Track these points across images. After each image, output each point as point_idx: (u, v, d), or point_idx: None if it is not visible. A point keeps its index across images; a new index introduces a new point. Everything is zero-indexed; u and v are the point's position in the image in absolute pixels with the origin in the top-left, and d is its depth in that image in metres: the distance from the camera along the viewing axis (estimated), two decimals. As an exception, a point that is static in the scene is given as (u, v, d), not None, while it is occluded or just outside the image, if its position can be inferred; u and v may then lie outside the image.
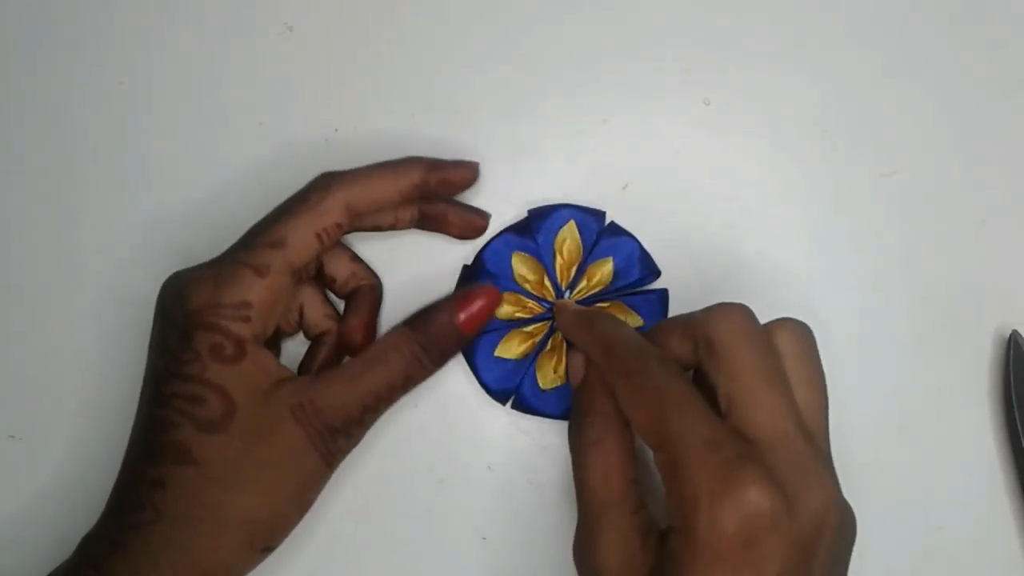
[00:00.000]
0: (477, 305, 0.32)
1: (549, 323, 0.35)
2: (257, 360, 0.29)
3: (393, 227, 0.34)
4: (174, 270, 0.34)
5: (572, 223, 0.35)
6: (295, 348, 0.35)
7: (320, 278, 0.35)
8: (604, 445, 0.29)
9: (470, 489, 0.35)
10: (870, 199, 0.37)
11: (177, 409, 0.28)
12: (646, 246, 0.36)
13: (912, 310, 0.36)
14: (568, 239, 0.35)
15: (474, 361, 0.35)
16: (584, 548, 0.28)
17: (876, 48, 0.38)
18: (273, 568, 0.31)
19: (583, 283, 0.35)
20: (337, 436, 0.30)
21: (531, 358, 0.35)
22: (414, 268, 0.36)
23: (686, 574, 0.25)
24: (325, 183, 0.31)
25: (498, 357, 0.35)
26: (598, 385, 0.30)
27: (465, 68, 0.38)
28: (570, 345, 0.35)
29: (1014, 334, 0.35)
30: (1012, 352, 0.35)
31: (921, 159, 0.37)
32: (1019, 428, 0.34)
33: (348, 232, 0.33)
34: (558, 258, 0.35)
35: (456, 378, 0.35)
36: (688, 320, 0.29)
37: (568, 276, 0.35)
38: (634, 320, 0.35)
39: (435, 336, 0.32)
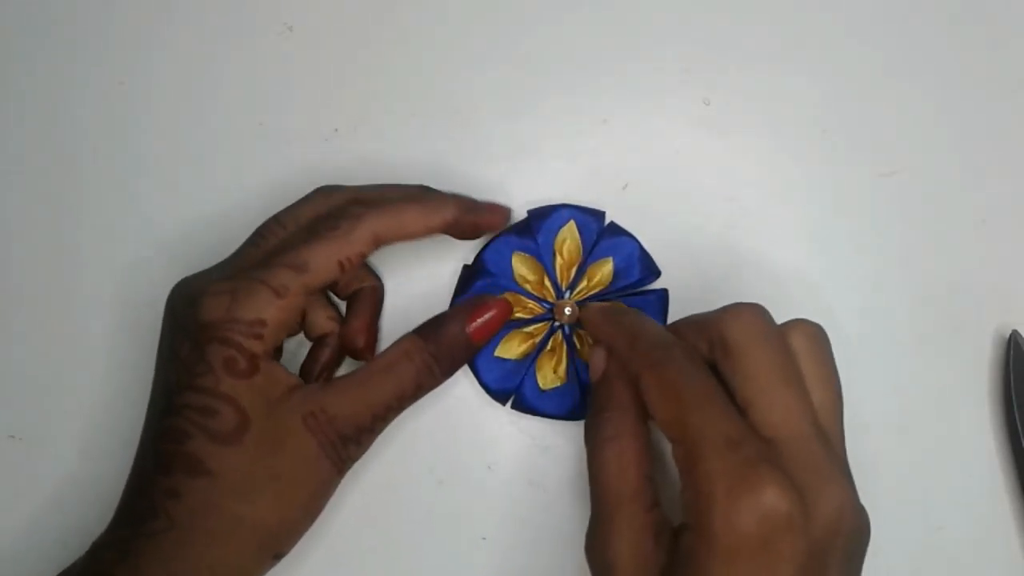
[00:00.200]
0: (488, 315, 0.32)
1: (549, 323, 0.35)
2: (268, 373, 0.29)
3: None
4: (173, 270, 0.34)
5: (572, 223, 0.35)
6: (296, 348, 0.35)
7: None
8: (621, 441, 0.29)
9: (470, 489, 0.35)
10: (870, 199, 0.37)
11: (190, 420, 0.28)
12: (646, 246, 0.36)
13: (912, 310, 0.36)
14: (568, 239, 0.35)
15: (474, 361, 0.35)
16: (597, 543, 0.28)
17: (876, 48, 0.38)
18: (275, 569, 0.31)
19: (583, 283, 0.35)
20: (348, 444, 0.30)
21: (531, 358, 0.35)
22: (415, 269, 0.36)
23: (700, 571, 0.25)
24: (357, 212, 0.31)
25: (498, 357, 0.35)
26: (617, 381, 0.30)
27: (465, 68, 0.38)
28: (571, 348, 0.35)
29: (1014, 334, 0.35)
30: (1012, 352, 0.35)
31: (921, 159, 0.37)
32: (1019, 428, 0.34)
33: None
34: (558, 258, 0.35)
35: (456, 379, 0.35)
36: (703, 320, 0.29)
37: (568, 276, 0.35)
38: None
39: (446, 346, 0.32)
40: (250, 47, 0.38)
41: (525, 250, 0.35)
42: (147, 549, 0.28)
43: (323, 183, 0.33)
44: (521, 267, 0.35)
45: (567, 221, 0.35)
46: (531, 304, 0.35)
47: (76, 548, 0.31)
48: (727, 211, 0.37)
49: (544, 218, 0.35)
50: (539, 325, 0.35)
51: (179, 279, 0.33)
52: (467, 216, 0.33)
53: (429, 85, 0.38)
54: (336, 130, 0.37)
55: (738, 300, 0.29)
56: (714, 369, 0.28)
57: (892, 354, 0.36)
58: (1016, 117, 0.38)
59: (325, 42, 0.38)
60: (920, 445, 0.36)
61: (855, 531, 0.26)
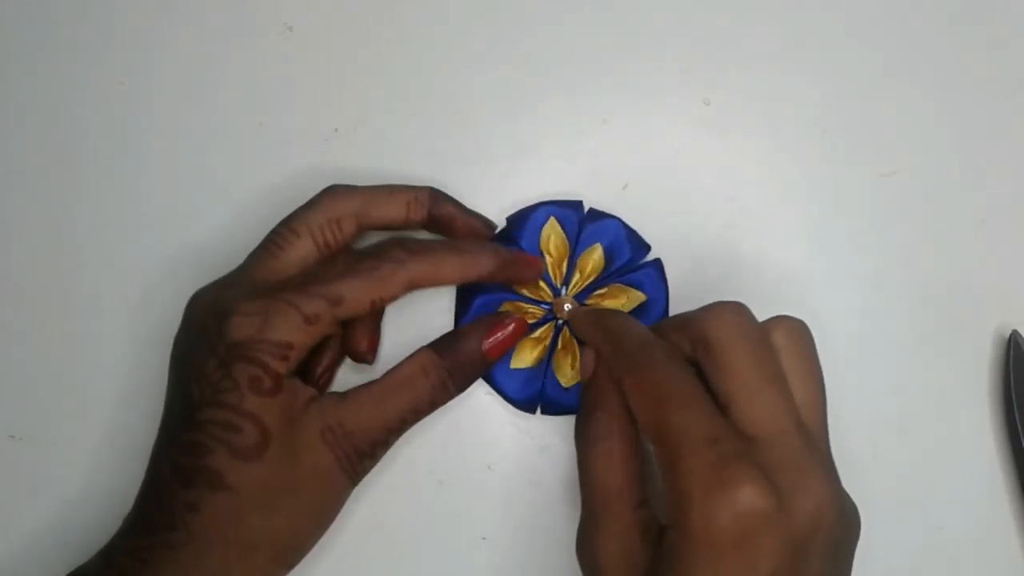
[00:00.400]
0: (505, 333, 0.33)
1: (553, 323, 0.35)
2: (289, 390, 0.30)
3: (403, 227, 0.34)
4: (173, 270, 0.34)
5: (553, 220, 0.35)
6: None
7: None
8: (609, 441, 0.29)
9: (470, 489, 0.35)
10: (870, 199, 0.37)
11: (212, 435, 0.29)
12: (647, 243, 0.36)
13: (912, 310, 0.36)
14: (552, 235, 0.35)
15: (493, 379, 0.35)
16: (585, 541, 0.29)
17: (876, 48, 0.38)
18: (273, 568, 0.31)
19: (577, 276, 0.35)
20: (364, 458, 0.31)
21: (546, 361, 0.35)
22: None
23: (680, 569, 0.25)
24: (400, 258, 0.31)
25: (515, 369, 0.35)
26: (606, 381, 0.30)
27: (465, 68, 0.38)
28: (581, 342, 0.35)
29: (1014, 334, 0.35)
30: (1012, 352, 0.35)
31: (921, 159, 0.37)
32: (1019, 428, 0.34)
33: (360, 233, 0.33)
34: (547, 257, 0.35)
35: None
36: (685, 319, 0.29)
37: (561, 272, 0.35)
38: (637, 297, 0.35)
39: (462, 363, 0.32)
40: (250, 47, 0.38)
41: None
42: (166, 560, 0.28)
43: (323, 183, 0.33)
44: None
45: (547, 218, 0.35)
46: (531, 308, 0.35)
47: (77, 548, 0.31)
48: (727, 211, 0.37)
49: (524, 220, 0.35)
50: (544, 328, 0.35)
51: (179, 279, 0.33)
52: (502, 272, 0.33)
53: (429, 85, 0.38)
54: (336, 130, 0.37)
55: (738, 300, 0.29)
56: (698, 369, 0.28)
57: (892, 354, 0.36)
58: (1016, 117, 0.38)
59: (325, 42, 0.38)
60: (920, 445, 0.36)
61: (838, 525, 0.26)
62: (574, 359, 0.35)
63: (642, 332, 0.29)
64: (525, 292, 0.35)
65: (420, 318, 0.35)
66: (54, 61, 0.38)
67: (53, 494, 0.35)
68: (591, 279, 0.35)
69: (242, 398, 0.29)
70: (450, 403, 0.35)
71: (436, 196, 0.34)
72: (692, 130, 0.37)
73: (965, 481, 0.35)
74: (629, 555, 0.27)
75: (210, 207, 0.37)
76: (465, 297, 0.35)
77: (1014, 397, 0.35)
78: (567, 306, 0.35)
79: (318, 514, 0.31)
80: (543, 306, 0.35)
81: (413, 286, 0.31)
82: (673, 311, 0.36)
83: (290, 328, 0.29)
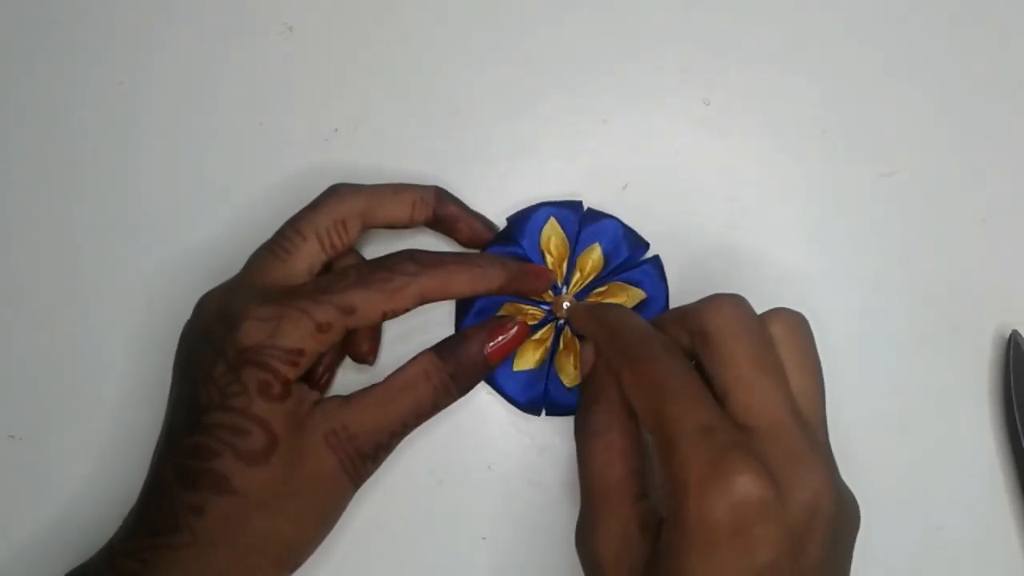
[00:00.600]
0: (507, 337, 0.33)
1: (554, 323, 0.35)
2: (297, 394, 0.30)
3: (406, 226, 0.34)
4: (173, 269, 0.34)
5: (553, 220, 0.35)
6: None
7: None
8: (608, 434, 0.29)
9: (470, 489, 0.35)
10: (870, 199, 0.37)
11: (219, 439, 0.29)
12: (645, 241, 0.36)
13: (912, 310, 0.36)
14: (552, 236, 0.35)
15: (496, 382, 0.35)
16: (585, 535, 0.29)
17: (876, 48, 0.38)
18: (273, 568, 0.31)
19: (577, 275, 0.35)
20: (367, 461, 0.31)
21: (548, 362, 0.35)
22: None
23: (677, 560, 0.25)
24: (413, 271, 0.31)
25: (518, 371, 0.35)
26: (605, 375, 0.30)
27: (465, 68, 0.38)
28: (583, 340, 0.35)
29: (1014, 334, 0.35)
30: (1012, 352, 0.35)
31: (921, 159, 0.37)
32: (1019, 428, 0.34)
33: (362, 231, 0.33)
34: (547, 257, 0.35)
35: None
36: (684, 312, 0.29)
37: (561, 272, 0.35)
38: (636, 294, 0.35)
39: (464, 366, 0.32)
40: (250, 47, 0.38)
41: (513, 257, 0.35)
42: (167, 561, 0.28)
43: (323, 183, 0.33)
44: None
45: (547, 219, 0.35)
46: (532, 310, 0.35)
47: (77, 548, 0.31)
48: (727, 211, 0.37)
49: (525, 221, 0.35)
50: (546, 329, 0.35)
51: (178, 279, 0.33)
52: (512, 284, 0.33)
53: (429, 85, 0.38)
54: (336, 130, 0.37)
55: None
56: (698, 361, 0.28)
57: (892, 354, 0.36)
58: (1016, 117, 0.38)
59: (325, 42, 0.38)
60: (920, 445, 0.36)
61: (835, 515, 0.26)
62: (576, 359, 0.35)
63: (640, 325, 0.29)
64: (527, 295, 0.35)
65: (421, 319, 0.35)
66: (54, 61, 0.38)
67: (53, 494, 0.35)
68: (591, 278, 0.35)
69: (250, 402, 0.29)
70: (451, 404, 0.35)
71: (441, 196, 0.34)
72: (692, 130, 0.37)
73: (965, 481, 0.35)
74: (629, 549, 0.27)
75: (210, 207, 0.37)
76: (465, 301, 0.35)
77: (1014, 397, 0.35)
78: (566, 305, 0.35)
79: (321, 517, 0.31)
80: (543, 307, 0.35)
81: (424, 299, 0.31)
82: (673, 306, 0.35)
83: (301, 335, 0.29)
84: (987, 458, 0.36)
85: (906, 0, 0.38)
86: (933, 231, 0.37)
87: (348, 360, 0.35)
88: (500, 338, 0.33)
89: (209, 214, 0.37)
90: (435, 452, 0.35)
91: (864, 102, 0.38)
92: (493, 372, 0.34)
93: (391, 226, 0.34)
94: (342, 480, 0.30)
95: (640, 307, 0.35)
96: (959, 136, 0.38)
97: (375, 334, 0.35)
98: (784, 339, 0.28)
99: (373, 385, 0.31)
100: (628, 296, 0.35)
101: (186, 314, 0.31)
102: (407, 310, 0.31)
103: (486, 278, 0.32)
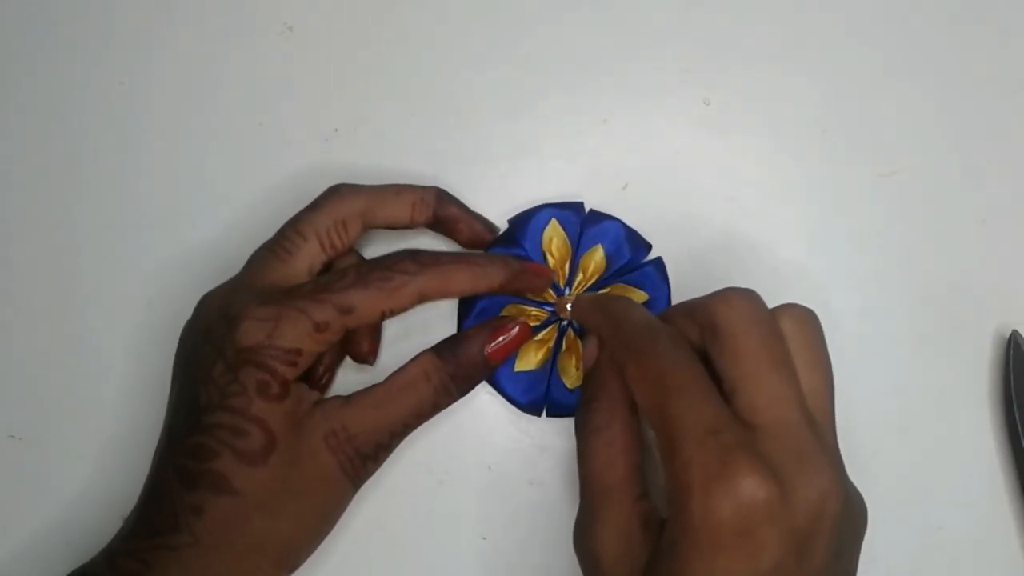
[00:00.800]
0: (508, 337, 0.33)
1: (557, 325, 0.35)
2: (296, 394, 0.30)
3: (407, 227, 0.34)
4: (173, 269, 0.34)
5: (554, 221, 0.35)
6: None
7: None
8: (610, 431, 0.29)
9: (470, 489, 0.35)
10: (870, 199, 0.37)
11: (218, 439, 0.29)
12: (647, 243, 0.36)
13: (912, 310, 0.36)
14: (554, 238, 0.35)
15: (498, 383, 0.35)
16: (584, 533, 0.28)
17: (876, 48, 0.38)
18: (273, 568, 0.31)
19: (579, 277, 0.35)
20: (367, 462, 0.30)
21: (550, 363, 0.35)
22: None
23: (680, 562, 0.25)
24: (412, 270, 0.31)
25: (519, 372, 0.35)
26: (608, 370, 0.30)
27: (465, 68, 0.38)
28: (585, 339, 0.35)
29: (1014, 334, 0.35)
30: (1012, 352, 0.35)
31: (921, 159, 0.37)
32: (1019, 428, 0.34)
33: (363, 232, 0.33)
34: (549, 258, 0.35)
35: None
36: (694, 305, 0.28)
37: (563, 274, 0.35)
38: (639, 296, 0.35)
39: (464, 367, 0.32)
40: (250, 47, 0.38)
41: None
42: (168, 562, 0.28)
43: (323, 183, 0.33)
44: None
45: (549, 220, 0.35)
46: (534, 311, 0.35)
47: (76, 548, 0.31)
48: (727, 211, 0.37)
49: (526, 223, 0.35)
50: (548, 330, 0.35)
51: (178, 279, 0.33)
52: (512, 283, 0.33)
53: (429, 85, 0.38)
54: (336, 130, 0.37)
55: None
56: (706, 356, 0.28)
57: (892, 354, 0.36)
58: (1016, 117, 0.38)
59: (325, 42, 0.38)
60: (920, 445, 0.36)
61: (842, 516, 0.25)
62: (578, 360, 0.35)
63: (645, 317, 0.29)
64: (529, 295, 0.35)
65: (421, 318, 0.35)
66: (54, 61, 0.38)
67: (53, 494, 0.35)
68: (594, 280, 0.35)
69: (249, 403, 0.29)
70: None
71: (441, 197, 0.34)
72: (692, 130, 0.37)
73: (965, 481, 0.35)
74: (629, 548, 0.27)
75: (210, 207, 0.37)
76: (467, 302, 0.35)
77: (1014, 397, 0.35)
78: (569, 306, 0.35)
79: (321, 517, 0.31)
80: (546, 308, 0.35)
81: (423, 298, 0.31)
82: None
83: (299, 335, 0.29)
84: (987, 458, 0.36)
85: (906, 0, 0.38)
86: (933, 231, 0.37)
87: (348, 360, 0.35)
88: (501, 338, 0.33)
89: (209, 214, 0.37)
90: (435, 452, 0.35)
91: (864, 102, 0.38)
92: (495, 373, 0.34)
93: (391, 227, 0.34)
94: (342, 481, 0.30)
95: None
96: (959, 136, 0.38)
97: (375, 334, 0.35)
98: (795, 335, 0.27)
99: (373, 385, 0.31)
100: (632, 297, 0.35)
101: (186, 314, 0.31)
102: (406, 309, 0.31)
103: (486, 276, 0.32)
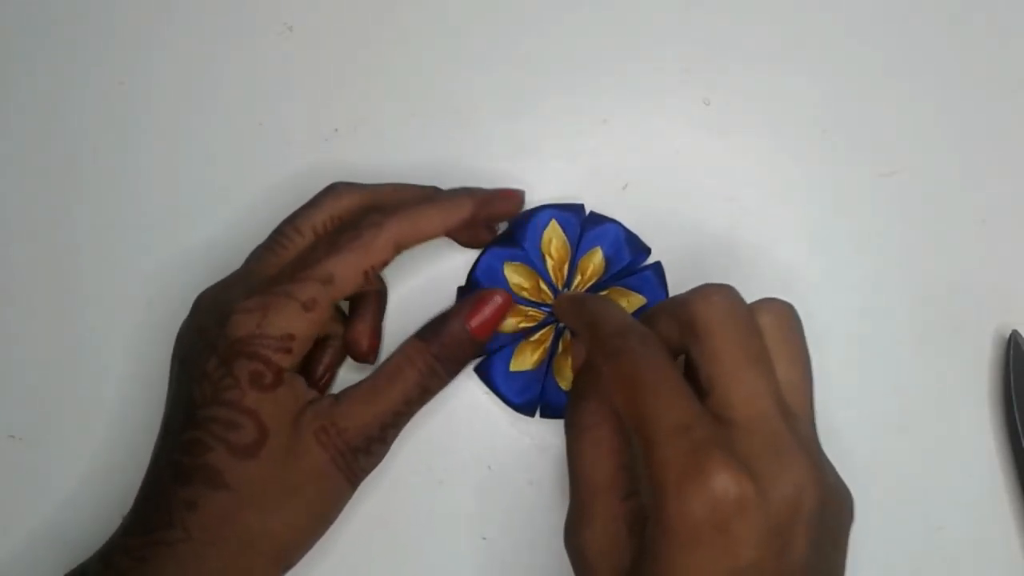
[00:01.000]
0: (488, 310, 0.32)
1: (554, 326, 0.35)
2: (291, 386, 0.30)
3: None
4: (173, 269, 0.34)
5: (554, 222, 0.35)
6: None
7: None
8: (598, 430, 0.29)
9: (470, 489, 0.35)
10: (870, 199, 0.37)
11: (212, 433, 0.29)
12: (647, 246, 0.36)
13: (912, 310, 0.36)
14: (554, 239, 0.35)
15: (492, 381, 0.35)
16: (572, 531, 0.28)
17: (876, 48, 0.38)
18: (273, 568, 0.31)
19: (578, 278, 0.35)
20: (359, 455, 0.30)
21: (546, 364, 0.35)
22: (417, 273, 0.36)
23: (660, 559, 0.24)
24: (377, 220, 0.31)
25: (515, 372, 0.35)
26: (595, 369, 0.30)
27: (465, 68, 0.38)
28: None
29: (1014, 334, 0.35)
30: (1012, 352, 0.35)
31: (921, 159, 0.37)
32: (1019, 428, 0.34)
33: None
34: (548, 260, 0.35)
35: (458, 380, 0.35)
36: (674, 303, 0.28)
37: (562, 275, 0.35)
38: (637, 300, 0.35)
39: (448, 346, 0.32)
40: (250, 47, 0.38)
41: (515, 259, 0.35)
42: (162, 558, 0.28)
43: (323, 183, 0.33)
44: (515, 276, 0.35)
45: (549, 221, 0.35)
46: (532, 312, 0.35)
47: (76, 548, 0.31)
48: (727, 211, 0.37)
49: (526, 223, 0.35)
50: (545, 330, 0.35)
51: (179, 279, 0.33)
52: (483, 210, 0.33)
53: (429, 85, 0.38)
54: (336, 130, 0.37)
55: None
56: (688, 353, 0.28)
57: (892, 354, 0.36)
58: (1016, 117, 0.38)
59: (325, 42, 0.38)
60: (920, 445, 0.36)
61: (821, 509, 0.25)
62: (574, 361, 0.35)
63: (619, 316, 0.29)
64: (526, 295, 0.35)
65: (422, 318, 0.35)
66: (54, 61, 0.38)
67: (53, 494, 0.35)
68: (592, 282, 0.35)
69: (242, 395, 0.29)
70: (450, 404, 0.35)
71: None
72: (692, 130, 0.37)
73: (965, 481, 0.35)
74: (615, 547, 0.27)
75: (210, 207, 0.37)
76: (467, 293, 0.35)
77: (1014, 397, 0.35)
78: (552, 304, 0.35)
79: (316, 514, 0.30)
80: (544, 309, 0.35)
81: (399, 246, 0.31)
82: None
83: (289, 319, 0.29)
84: (987, 458, 0.36)
85: (906, 0, 0.38)
86: (933, 231, 0.37)
87: (350, 361, 0.35)
88: (483, 311, 0.32)
89: (209, 214, 0.37)
90: (435, 452, 0.35)
91: (864, 102, 0.38)
92: (489, 372, 0.35)
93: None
94: (335, 476, 0.30)
95: (640, 313, 0.35)
96: (959, 136, 0.38)
97: (375, 332, 0.35)
98: (772, 329, 0.27)
99: (362, 380, 0.31)
100: (628, 302, 0.35)
101: (185, 314, 0.31)
102: (387, 262, 0.31)
103: (456, 209, 0.32)
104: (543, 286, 0.35)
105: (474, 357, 0.34)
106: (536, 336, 0.35)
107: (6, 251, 0.37)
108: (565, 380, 0.35)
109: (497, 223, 0.35)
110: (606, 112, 0.37)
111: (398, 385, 0.31)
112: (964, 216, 0.37)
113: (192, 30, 0.38)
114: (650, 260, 0.36)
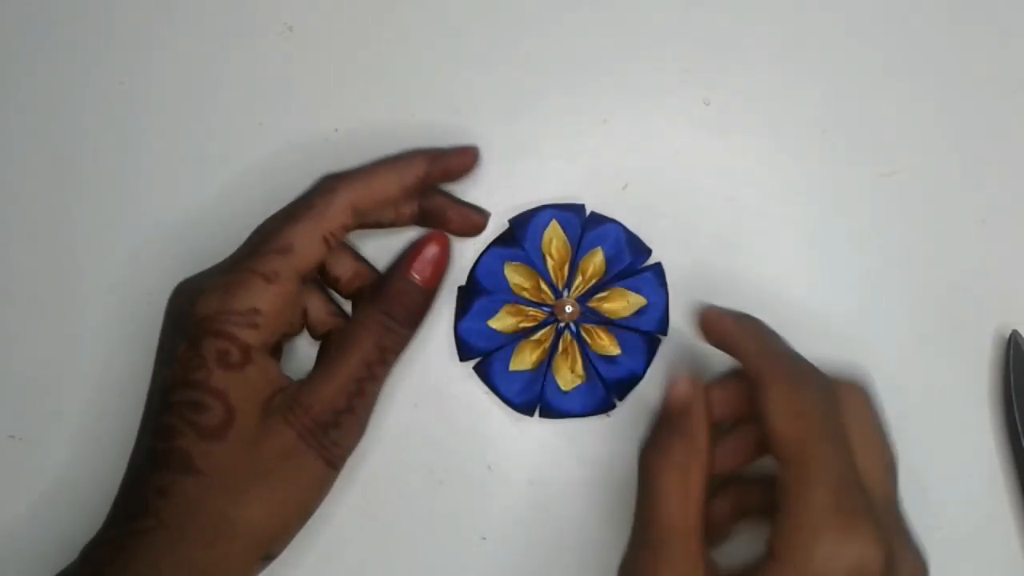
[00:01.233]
0: (429, 254, 0.32)
1: (554, 326, 0.35)
2: (261, 367, 0.29)
3: (394, 224, 0.34)
4: (173, 270, 0.34)
5: (555, 222, 0.35)
6: (307, 349, 0.35)
7: (323, 277, 0.35)
8: (688, 471, 0.28)
9: (470, 489, 0.35)
10: (870, 199, 0.37)
11: (181, 417, 0.28)
12: (647, 247, 0.36)
13: (912, 310, 0.36)
14: (554, 239, 0.35)
15: (491, 380, 0.35)
16: (646, 570, 0.27)
17: (876, 48, 0.38)
18: (274, 569, 0.31)
19: (578, 279, 0.35)
20: (328, 430, 0.30)
21: (545, 364, 0.35)
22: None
23: None
24: (330, 186, 0.31)
25: (514, 371, 0.35)
26: (697, 406, 0.29)
27: (465, 68, 0.38)
28: (583, 343, 0.35)
29: (1014, 334, 0.35)
30: (1012, 352, 0.35)
31: (921, 159, 0.37)
32: (1019, 428, 0.34)
33: (351, 230, 0.33)
34: (548, 260, 0.35)
35: (456, 378, 0.35)
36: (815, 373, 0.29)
37: (562, 275, 0.35)
38: (637, 300, 0.35)
39: (395, 299, 0.32)
40: (250, 47, 0.38)
41: (515, 259, 0.35)
42: (137, 548, 0.28)
43: (323, 183, 0.33)
44: (515, 276, 0.35)
45: (549, 221, 0.35)
46: (532, 311, 0.35)
47: (76, 548, 0.31)
48: (727, 211, 0.37)
49: (526, 223, 0.35)
50: (545, 330, 0.35)
51: (179, 279, 0.33)
52: (436, 164, 0.33)
53: (429, 85, 0.38)
54: (336, 130, 0.37)
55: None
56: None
57: (892, 354, 0.36)
58: (1016, 117, 0.38)
59: (325, 42, 0.38)
60: (920, 445, 0.35)
61: None
62: (574, 363, 0.35)
63: (792, 349, 0.29)
64: (527, 295, 0.35)
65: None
66: (54, 61, 0.38)
67: (53, 494, 0.35)
68: (593, 282, 0.35)
69: (209, 374, 0.28)
70: (450, 404, 0.35)
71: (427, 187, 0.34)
72: (692, 130, 0.37)
73: (965, 481, 0.35)
74: None
75: (210, 207, 0.37)
76: (465, 300, 0.35)
77: (1014, 397, 0.35)
78: (568, 307, 0.35)
79: (292, 499, 0.30)
80: (544, 309, 0.35)
81: (356, 210, 0.31)
82: (672, 313, 0.36)
83: (253, 293, 0.29)
84: (987, 458, 0.36)
85: (906, 0, 0.38)
86: (933, 231, 0.37)
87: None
88: (423, 254, 0.32)
89: (209, 214, 0.37)
90: (435, 452, 0.35)
91: (864, 102, 0.38)
92: (488, 371, 0.35)
93: (379, 223, 0.34)
94: (306, 454, 0.29)
95: (640, 314, 0.35)
96: (959, 136, 0.38)
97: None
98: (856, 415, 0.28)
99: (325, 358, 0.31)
100: (629, 302, 0.35)
101: (186, 314, 0.31)
102: (348, 228, 0.31)
103: (410, 167, 0.32)
104: (543, 286, 0.35)
105: (428, 305, 0.33)
106: (536, 336, 0.35)
107: (6, 251, 0.37)
108: (564, 381, 0.35)
109: (453, 181, 0.35)
110: (606, 112, 0.37)
111: (354, 351, 0.31)
112: (964, 216, 0.37)
113: (192, 30, 0.38)
114: (650, 260, 0.36)
